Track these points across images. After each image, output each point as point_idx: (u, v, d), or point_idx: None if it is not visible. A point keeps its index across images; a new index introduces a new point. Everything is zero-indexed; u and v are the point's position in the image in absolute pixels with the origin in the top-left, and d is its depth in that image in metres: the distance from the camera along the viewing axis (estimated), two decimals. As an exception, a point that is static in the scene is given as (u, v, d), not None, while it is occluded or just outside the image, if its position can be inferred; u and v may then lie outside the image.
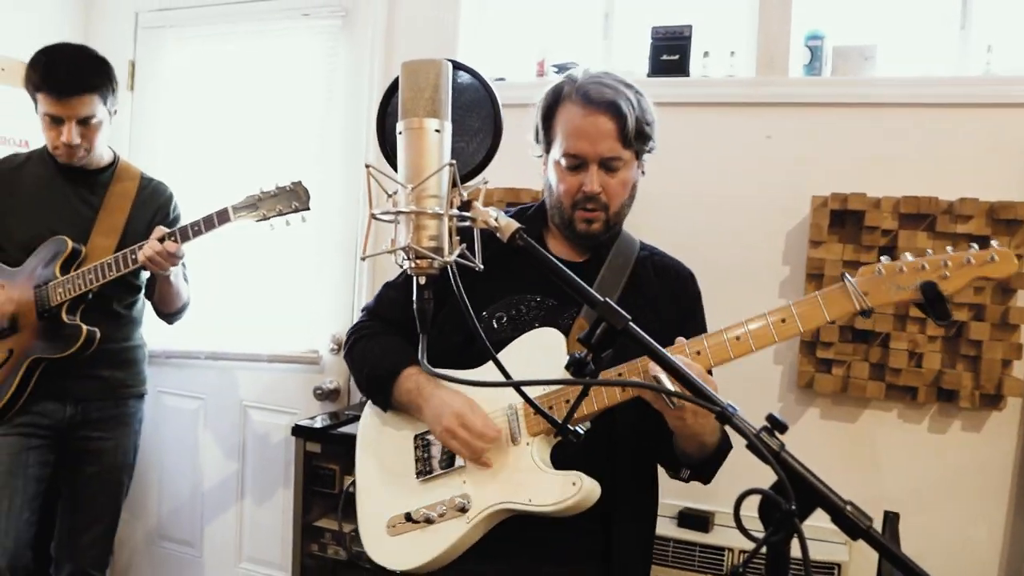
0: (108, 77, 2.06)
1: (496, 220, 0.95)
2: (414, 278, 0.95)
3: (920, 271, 1.18)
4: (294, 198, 1.97)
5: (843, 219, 2.09)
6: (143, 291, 2.27)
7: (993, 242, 1.18)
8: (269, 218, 1.98)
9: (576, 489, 1.20)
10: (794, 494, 0.81)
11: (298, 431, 2.26)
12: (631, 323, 0.88)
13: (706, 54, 2.29)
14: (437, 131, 0.95)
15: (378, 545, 1.37)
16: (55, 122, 2.01)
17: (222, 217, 1.98)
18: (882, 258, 1.22)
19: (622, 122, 1.33)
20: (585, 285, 0.90)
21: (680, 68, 2.28)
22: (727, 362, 1.23)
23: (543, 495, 1.22)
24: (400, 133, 0.96)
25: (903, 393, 2.07)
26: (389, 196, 0.98)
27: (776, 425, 0.84)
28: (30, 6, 2.89)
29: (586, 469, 1.24)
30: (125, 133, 3.01)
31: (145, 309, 2.33)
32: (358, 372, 1.49)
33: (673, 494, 2.20)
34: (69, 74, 1.98)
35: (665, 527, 2.15)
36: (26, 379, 2.05)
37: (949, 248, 1.21)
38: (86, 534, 2.21)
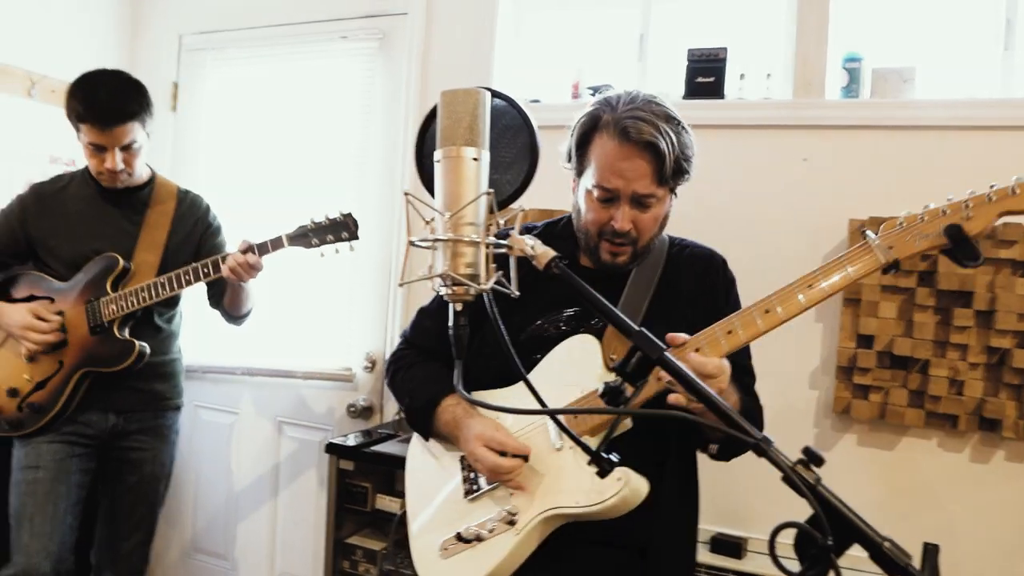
0: (146, 102, 2.12)
1: (532, 248, 0.96)
2: (450, 304, 0.96)
3: (942, 216, 1.17)
4: (344, 228, 2.05)
5: (881, 243, 2.06)
6: (179, 305, 2.34)
7: (1015, 177, 1.14)
8: (320, 247, 2.05)
9: (622, 484, 1.19)
10: (831, 529, 0.80)
11: (332, 448, 2.28)
12: (667, 353, 0.88)
13: (742, 76, 2.28)
14: (475, 160, 0.96)
15: (432, 569, 1.37)
16: (98, 150, 2.08)
17: (276, 244, 2.06)
18: (903, 212, 1.20)
19: (659, 163, 1.29)
20: (620, 314, 0.90)
21: (715, 90, 2.27)
22: (758, 336, 1.23)
23: (589, 495, 1.21)
24: (438, 161, 0.97)
25: (943, 421, 2.02)
26: (427, 223, 0.99)
27: (812, 458, 0.83)
28: (80, 29, 2.99)
29: (632, 465, 1.22)
30: (168, 153, 3.09)
31: (182, 323, 2.38)
32: (400, 402, 1.53)
33: (707, 519, 2.16)
34: (110, 105, 2.03)
35: (697, 552, 2.12)
36: (75, 391, 2.11)
37: (968, 191, 1.17)
38: (125, 542, 2.26)
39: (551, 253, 0.95)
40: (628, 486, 1.19)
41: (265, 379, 2.87)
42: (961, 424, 2.00)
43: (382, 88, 2.75)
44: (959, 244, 1.14)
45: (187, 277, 2.07)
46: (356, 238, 2.06)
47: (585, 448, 0.96)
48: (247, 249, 2.04)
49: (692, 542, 1.47)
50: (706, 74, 2.29)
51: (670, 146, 1.28)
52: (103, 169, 2.09)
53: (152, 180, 2.27)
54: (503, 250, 0.98)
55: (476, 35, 2.61)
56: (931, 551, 1.89)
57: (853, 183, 2.13)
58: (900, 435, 2.10)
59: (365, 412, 2.68)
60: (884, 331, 2.04)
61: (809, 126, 2.18)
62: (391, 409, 2.65)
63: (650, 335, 0.88)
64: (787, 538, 0.82)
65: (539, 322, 1.41)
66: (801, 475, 0.82)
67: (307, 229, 2.05)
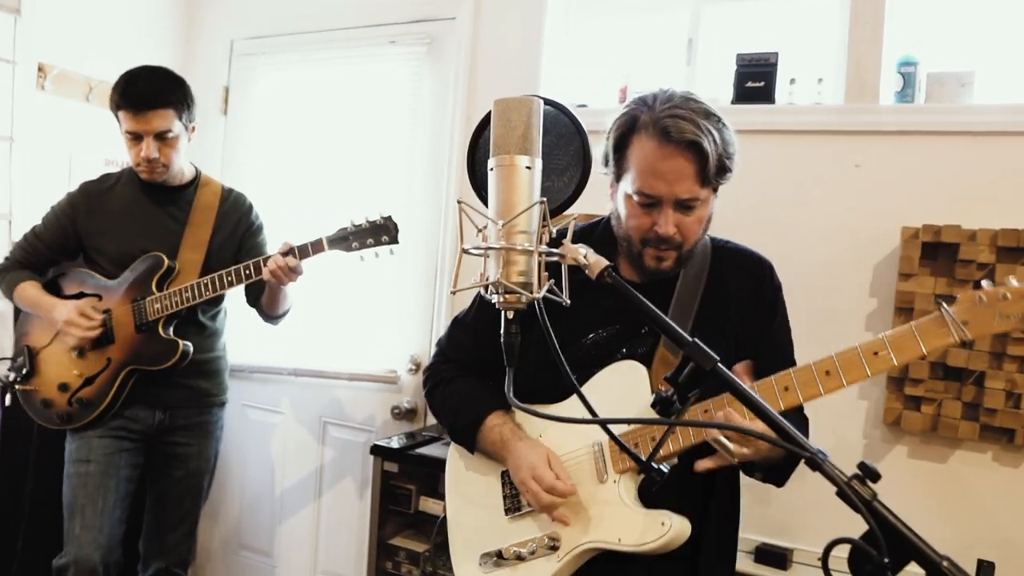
0: (183, 93, 2.17)
1: (585, 257, 0.96)
2: (502, 312, 0.97)
3: None
4: (384, 232, 2.05)
5: (935, 252, 2.02)
6: (223, 303, 2.39)
7: None
8: (359, 250, 2.06)
9: (666, 529, 1.19)
10: (886, 546, 0.79)
11: (376, 450, 2.31)
12: (719, 364, 0.87)
13: (792, 81, 2.25)
14: (528, 168, 0.96)
15: None
16: (135, 139, 2.13)
17: (316, 247, 2.08)
18: (983, 282, 1.14)
19: (703, 162, 1.24)
20: (673, 324, 0.90)
21: (765, 95, 2.25)
22: (816, 398, 1.19)
23: (632, 535, 1.22)
24: (491, 169, 0.98)
25: (999, 435, 1.97)
26: (479, 230, 1.00)
27: (868, 473, 0.82)
28: (136, 36, 3.08)
29: (675, 506, 1.23)
30: (217, 156, 3.16)
31: (226, 321, 2.43)
32: (442, 420, 1.51)
33: (752, 529, 2.15)
34: (145, 90, 2.10)
35: (742, 562, 2.09)
36: (122, 387, 2.17)
37: None
38: (172, 533, 2.32)
39: (604, 262, 0.95)
40: (672, 530, 1.20)
41: (311, 380, 2.91)
42: (1018, 438, 1.94)
43: (429, 92, 2.77)
44: None
45: (229, 278, 2.10)
46: (396, 242, 2.06)
47: (635, 458, 0.95)
48: (288, 251, 2.06)
49: (735, 549, 1.46)
50: (756, 79, 2.27)
51: (712, 144, 1.23)
52: (140, 160, 2.14)
53: (196, 179, 2.32)
54: (555, 259, 0.98)
55: (524, 40, 2.61)
56: (986, 568, 1.85)
57: (906, 190, 2.09)
58: (953, 448, 2.05)
59: (409, 414, 2.70)
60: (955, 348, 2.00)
61: (862, 132, 2.14)
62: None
63: (703, 346, 0.87)
64: (840, 552, 0.81)
65: (581, 340, 1.39)
66: (857, 490, 0.81)
67: (347, 232, 2.06)
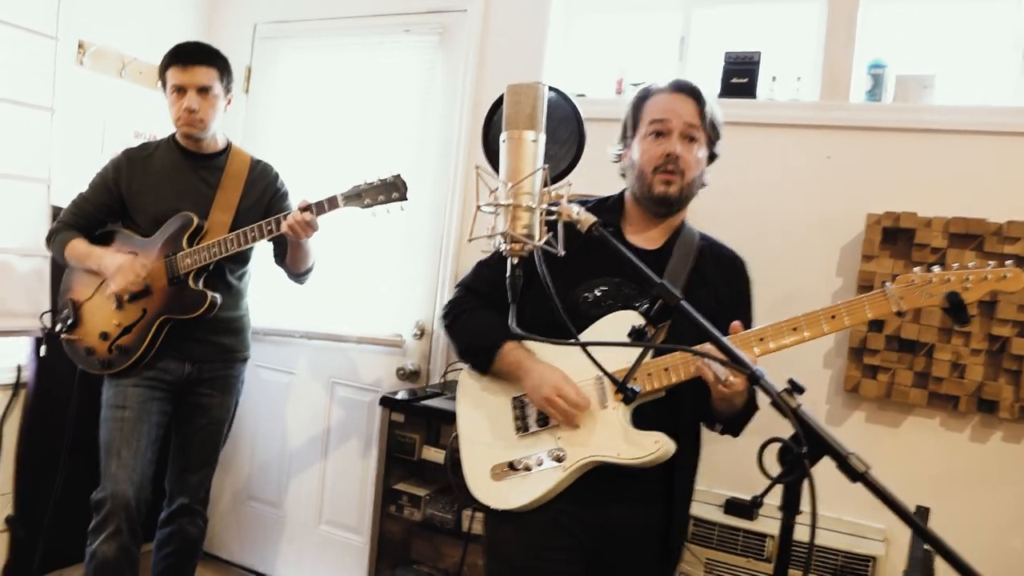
0: (225, 61, 2.43)
1: (577, 214, 1.18)
2: (508, 258, 1.19)
3: (946, 283, 1.42)
4: (394, 189, 2.22)
5: (895, 236, 2.24)
6: (249, 264, 2.57)
7: (1008, 262, 1.41)
8: (372, 206, 2.23)
9: (658, 446, 1.45)
10: (808, 445, 1.01)
11: (385, 401, 2.53)
12: (682, 301, 1.09)
13: (774, 79, 2.47)
14: (534, 141, 1.19)
15: (484, 487, 1.60)
16: (179, 94, 2.34)
17: (331, 203, 2.25)
18: (915, 268, 1.44)
19: (702, 105, 1.58)
20: (646, 268, 1.12)
21: (748, 90, 2.46)
22: (784, 348, 1.47)
23: (630, 450, 1.47)
24: (503, 141, 1.20)
25: (945, 402, 2.20)
26: (491, 192, 1.22)
27: (795, 387, 1.04)
28: (166, 16, 3.28)
29: (657, 427, 1.48)
30: (239, 132, 3.36)
31: (250, 282, 2.62)
32: (460, 342, 1.72)
33: (722, 484, 2.37)
34: (195, 48, 2.38)
35: (712, 513, 2.33)
36: (156, 335, 2.35)
37: (971, 264, 1.43)
38: (195, 474, 2.54)
39: (592, 219, 1.17)
40: (662, 448, 1.45)
41: (321, 342, 3.13)
42: (962, 405, 2.17)
43: (441, 79, 2.98)
44: (955, 308, 1.39)
45: (252, 233, 2.28)
46: (405, 198, 2.23)
47: (612, 379, 1.17)
48: (305, 208, 2.23)
49: (695, 469, 1.72)
50: (740, 75, 2.48)
51: (708, 101, 1.59)
52: (181, 112, 2.34)
53: (228, 149, 2.53)
54: (553, 216, 1.20)
55: (529, 33, 2.82)
56: (921, 511, 2.10)
57: (872, 180, 2.31)
58: (905, 414, 2.28)
59: (413, 375, 2.92)
60: (894, 317, 2.22)
61: (834, 126, 2.36)
62: (437, 372, 2.89)
63: (670, 286, 1.09)
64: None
65: (582, 286, 1.60)
66: (785, 400, 1.03)
67: (360, 189, 2.23)
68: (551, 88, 1.29)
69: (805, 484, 1.01)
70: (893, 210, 2.24)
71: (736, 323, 1.46)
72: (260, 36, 3.39)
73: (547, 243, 1.18)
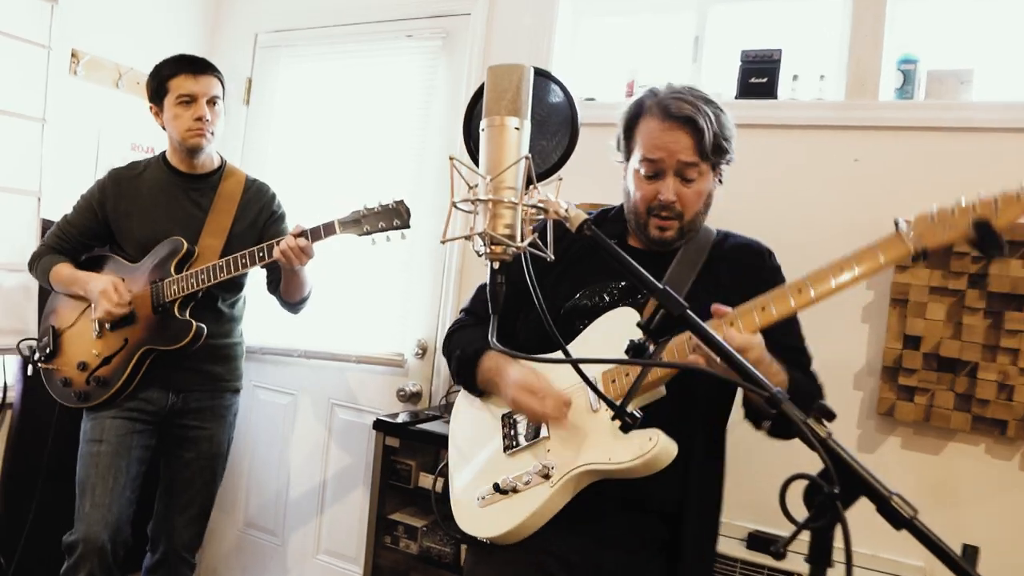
0: (222, 76, 2.32)
1: (566, 211, 1.02)
2: (489, 264, 1.03)
3: (972, 211, 1.22)
4: (395, 216, 2.06)
5: (931, 245, 2.05)
6: (244, 290, 2.43)
7: None
8: (371, 234, 2.08)
9: (653, 444, 1.24)
10: (840, 482, 0.83)
11: (379, 425, 2.37)
12: (688, 311, 0.92)
13: (795, 77, 2.30)
14: (516, 129, 1.03)
15: (469, 515, 1.44)
16: (188, 103, 2.23)
17: (328, 230, 2.10)
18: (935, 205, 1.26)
19: (699, 136, 1.39)
20: (645, 273, 0.96)
21: (768, 91, 2.30)
22: (789, 314, 1.28)
23: (621, 452, 1.27)
24: (483, 130, 1.05)
25: (991, 427, 2.00)
26: (470, 188, 1.07)
27: (824, 413, 0.87)
28: (164, 26, 3.19)
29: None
30: (239, 145, 3.26)
31: (245, 308, 2.48)
32: (450, 358, 1.59)
33: (745, 516, 2.19)
34: (201, 59, 2.27)
35: (733, 548, 2.14)
36: (137, 367, 2.20)
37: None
38: (180, 517, 2.34)
39: (583, 216, 1.01)
40: (658, 446, 1.24)
41: (321, 362, 2.98)
42: (1010, 430, 1.97)
43: (443, 85, 2.85)
44: (985, 237, 1.18)
45: (243, 260, 2.13)
46: (407, 226, 2.07)
47: (609, 402, 1.01)
48: (300, 234, 2.09)
49: (718, 511, 1.50)
50: (759, 75, 2.32)
51: (709, 122, 1.38)
52: (191, 123, 2.22)
53: (222, 168, 2.39)
54: (540, 213, 1.04)
55: (535, 37, 2.68)
56: (970, 552, 1.88)
57: (904, 185, 2.13)
58: (946, 439, 2.08)
59: (414, 397, 2.76)
60: (932, 333, 2.03)
61: (861, 127, 2.18)
62: (439, 394, 2.73)
63: (673, 293, 0.93)
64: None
65: (585, 292, 1.48)
66: (813, 429, 0.86)
67: (360, 215, 2.08)
68: (540, 72, 1.13)
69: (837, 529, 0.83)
70: (928, 216, 2.05)
71: (717, 305, 1.28)
72: (261, 45, 3.29)
73: (533, 246, 1.02)
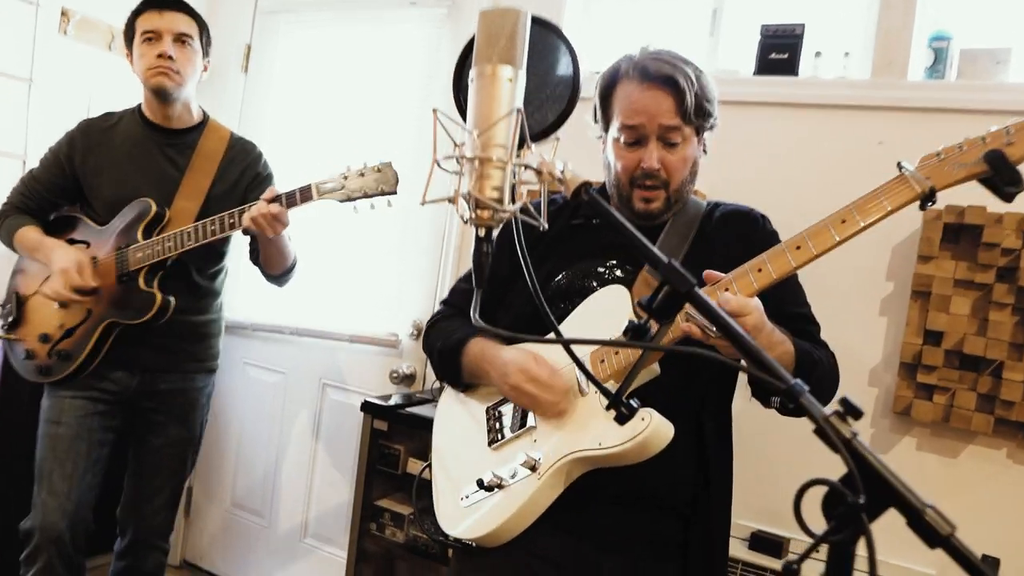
0: (203, 20, 2.13)
1: (562, 172, 0.90)
2: (475, 229, 0.92)
3: (982, 144, 1.12)
4: (382, 181, 1.87)
5: (958, 234, 1.92)
6: (225, 260, 2.24)
7: None
8: (354, 199, 1.88)
9: (645, 424, 1.12)
10: (865, 489, 0.72)
11: (367, 407, 2.26)
12: (696, 288, 0.81)
13: (818, 54, 2.17)
14: (510, 80, 0.91)
15: (452, 516, 1.33)
16: (152, 41, 2.02)
17: (305, 195, 1.91)
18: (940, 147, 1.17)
19: (680, 96, 1.30)
20: (648, 243, 0.84)
21: (789, 67, 2.16)
22: (788, 273, 1.18)
23: (611, 436, 1.15)
24: (472, 81, 0.93)
25: (1015, 430, 1.87)
26: (456, 146, 0.95)
27: (850, 410, 0.75)
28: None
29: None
30: (236, 114, 3.14)
31: (227, 281, 2.31)
32: (431, 351, 1.48)
33: (747, 516, 2.08)
34: None
35: (735, 548, 2.03)
36: (101, 341, 2.03)
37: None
38: (148, 504, 2.19)
39: (581, 178, 0.89)
40: (651, 427, 1.12)
41: (313, 340, 2.88)
42: (1035, 435, 1.85)
43: (447, 56, 2.72)
44: (1000, 170, 1.08)
45: (212, 227, 1.94)
46: (394, 192, 1.87)
47: (604, 391, 0.89)
48: (273, 199, 1.89)
49: (730, 506, 1.39)
50: (780, 51, 2.19)
51: (689, 82, 1.30)
52: (154, 62, 2.01)
53: (203, 124, 2.18)
54: (532, 175, 0.92)
55: (544, 8, 2.50)
56: (990, 563, 1.76)
57: (932, 170, 1.99)
58: (966, 442, 1.96)
59: (407, 379, 2.66)
60: (955, 328, 1.90)
61: (887, 107, 2.05)
62: (432, 376, 2.62)
63: (680, 268, 0.81)
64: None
65: (568, 272, 1.37)
66: (835, 427, 0.74)
67: (341, 178, 1.89)
68: (537, 20, 1.01)
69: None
70: (956, 203, 1.92)
71: (709, 271, 1.18)
72: (261, 11, 3.16)
73: (524, 211, 0.91)
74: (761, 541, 2.04)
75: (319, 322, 2.86)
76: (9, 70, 2.58)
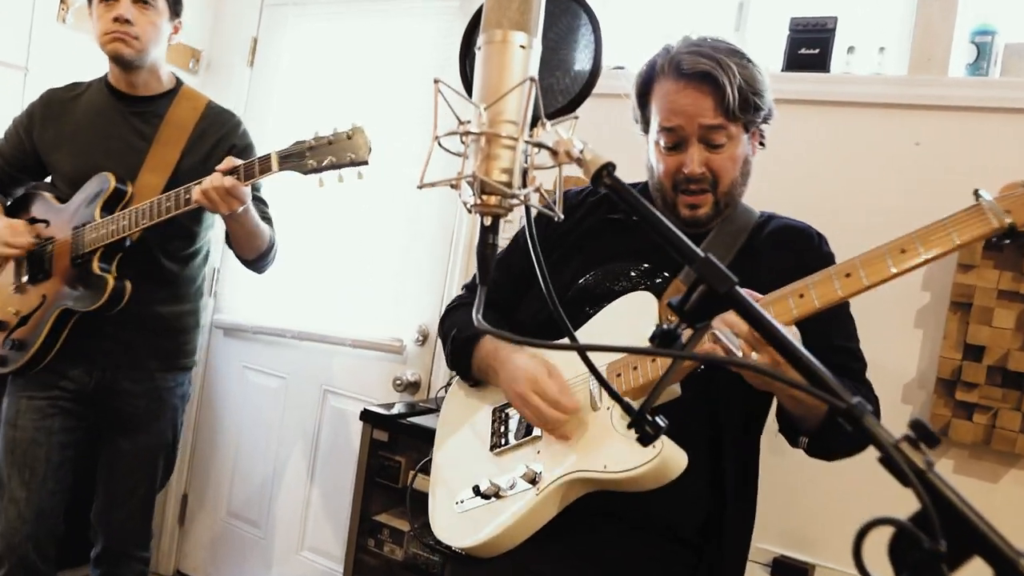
0: None
1: (581, 152, 0.78)
2: (480, 218, 0.80)
3: None
4: (351, 149, 1.64)
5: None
6: (199, 241, 2.05)
7: None
8: (320, 170, 1.64)
9: (655, 452, 1.01)
10: (943, 532, 0.59)
11: (366, 416, 2.14)
12: (737, 287, 0.68)
13: (851, 49, 2.04)
14: (523, 47, 0.80)
15: (445, 522, 1.24)
16: (109, 1, 1.83)
17: (263, 165, 1.69)
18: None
19: (720, 93, 1.17)
20: (681, 235, 0.72)
21: (820, 63, 2.04)
22: (833, 303, 1.04)
23: (619, 460, 1.05)
24: (479, 49, 0.82)
25: (1062, 454, 1.74)
26: (461, 123, 0.84)
27: (924, 435, 0.63)
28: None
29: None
30: (241, 110, 3.03)
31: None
32: (445, 339, 1.38)
33: (769, 540, 1.95)
34: None
35: (755, 574, 1.91)
36: (55, 330, 1.86)
37: None
38: (119, 510, 2.04)
39: (602, 160, 0.77)
40: (660, 456, 1.01)
41: (314, 344, 2.77)
42: (1084, 460, 1.71)
43: (458, 49, 2.61)
44: None
45: (168, 203, 1.72)
46: (364, 162, 1.64)
47: (626, 406, 0.77)
48: (230, 171, 1.68)
49: (748, 538, 1.29)
50: (810, 45, 2.06)
51: (731, 75, 1.17)
52: (109, 25, 1.82)
53: (175, 91, 1.98)
54: (546, 154, 0.80)
55: None
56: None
57: (973, 171, 1.86)
58: (1008, 465, 1.82)
59: (411, 387, 2.54)
60: (998, 343, 1.77)
61: (925, 106, 1.92)
62: (438, 384, 2.49)
63: (719, 263, 0.69)
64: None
65: (597, 272, 1.27)
66: (907, 456, 0.62)
67: (304, 147, 1.67)
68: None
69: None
70: (1001, 209, 1.79)
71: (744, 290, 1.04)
72: (268, 3, 3.07)
73: (540, 200, 0.79)
74: (784, 567, 1.91)
75: (322, 326, 2.75)
76: (5, 58, 2.50)
